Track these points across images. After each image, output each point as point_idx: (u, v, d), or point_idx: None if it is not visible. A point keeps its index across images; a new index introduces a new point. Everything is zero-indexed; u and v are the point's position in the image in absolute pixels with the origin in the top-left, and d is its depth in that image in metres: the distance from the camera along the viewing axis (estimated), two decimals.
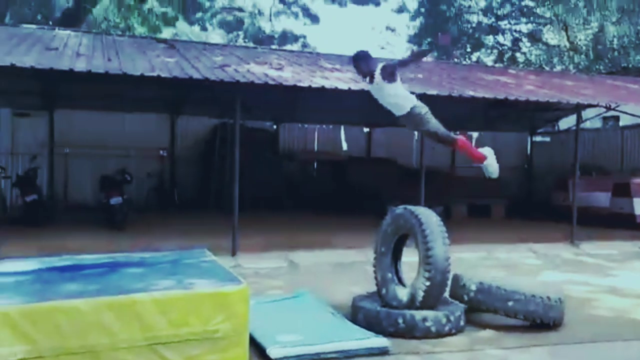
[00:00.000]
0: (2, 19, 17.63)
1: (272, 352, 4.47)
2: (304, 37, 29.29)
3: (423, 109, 5.62)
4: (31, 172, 12.25)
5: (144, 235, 10.20)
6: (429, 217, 5.49)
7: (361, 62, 5.55)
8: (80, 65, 8.88)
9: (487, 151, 5.98)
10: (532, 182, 18.58)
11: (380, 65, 5.50)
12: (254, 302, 5.92)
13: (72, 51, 10.37)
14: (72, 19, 19.50)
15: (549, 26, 26.58)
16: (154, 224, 11.82)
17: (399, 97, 5.55)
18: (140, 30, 25.37)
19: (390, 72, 5.41)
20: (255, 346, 4.69)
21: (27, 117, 15.11)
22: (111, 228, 11.05)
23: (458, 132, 6.11)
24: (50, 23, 20.26)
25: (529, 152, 19.25)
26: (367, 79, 5.55)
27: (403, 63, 5.76)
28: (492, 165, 5.96)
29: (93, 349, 3.74)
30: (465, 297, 5.72)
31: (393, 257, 5.82)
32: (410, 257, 5.75)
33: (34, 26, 14.23)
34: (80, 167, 15.06)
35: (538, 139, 19.26)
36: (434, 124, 5.68)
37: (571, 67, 25.45)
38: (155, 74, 8.94)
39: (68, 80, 11.29)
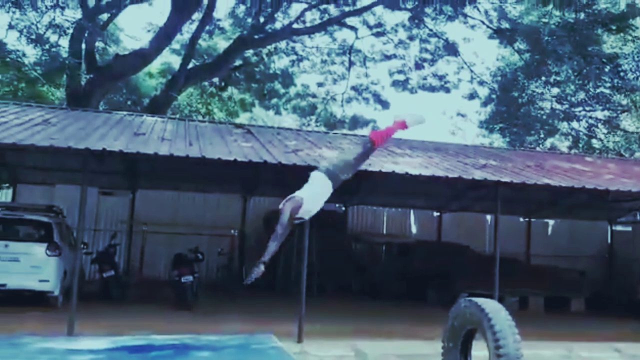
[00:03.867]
0: (97, 105, 19.21)
1: None
2: (374, 121, 29.89)
3: (330, 168, 5.13)
4: (111, 248, 12.83)
5: (212, 316, 10.30)
6: (497, 312, 5.24)
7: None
8: (163, 150, 9.46)
9: (402, 116, 5.43)
10: (614, 274, 17.51)
11: (287, 214, 4.81)
12: None
13: (157, 136, 11.07)
14: (159, 105, 20.93)
15: (626, 113, 25.92)
16: (222, 304, 11.94)
17: (320, 194, 5.03)
18: (219, 114, 26.89)
19: (296, 208, 4.86)
20: None
21: (112, 195, 16.05)
22: (181, 306, 11.24)
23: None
24: (139, 108, 21.82)
25: (609, 241, 18.32)
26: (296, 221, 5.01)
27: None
28: (416, 120, 5.40)
29: None
30: None
31: (462, 352, 5.57)
32: (481, 351, 5.48)
33: (124, 112, 15.38)
34: (155, 243, 15.63)
35: (619, 228, 18.32)
36: (348, 161, 5.22)
37: None
38: (232, 158, 9.36)
39: (152, 162, 11.99)
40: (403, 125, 5.39)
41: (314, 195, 4.98)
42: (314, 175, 5.09)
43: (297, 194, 4.94)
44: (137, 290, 13.22)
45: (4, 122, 10.44)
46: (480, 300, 5.44)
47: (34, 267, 10.44)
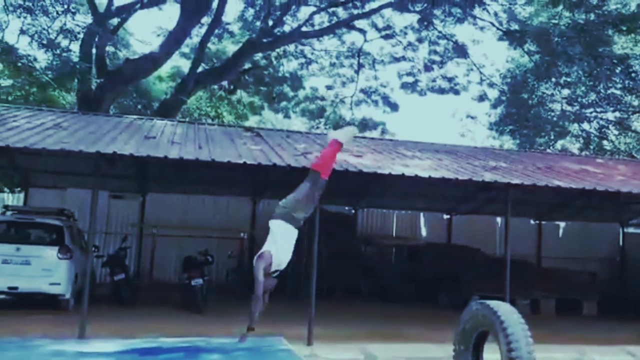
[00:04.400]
0: (108, 109, 19.33)
1: None
2: (384, 124, 29.84)
3: (284, 212, 4.96)
4: (122, 251, 12.87)
5: (222, 318, 10.29)
6: (510, 315, 5.22)
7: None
8: (173, 153, 9.49)
9: (333, 136, 5.16)
10: (626, 276, 17.36)
11: (261, 273, 4.85)
12: None
13: (167, 139, 11.12)
14: (169, 109, 21.02)
15: (637, 114, 25.72)
16: (232, 307, 11.89)
17: (285, 241, 4.93)
18: (228, 118, 26.97)
19: (269, 265, 4.88)
20: None
21: (122, 199, 16.14)
22: (191, 309, 11.26)
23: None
24: (149, 112, 21.92)
25: (621, 243, 18.17)
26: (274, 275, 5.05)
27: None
28: (346, 134, 5.20)
29: None
30: None
31: (474, 355, 5.55)
32: (492, 354, 5.45)
33: (134, 116, 15.47)
34: (165, 246, 15.68)
35: (630, 230, 18.17)
36: (299, 199, 5.01)
37: None
38: (241, 161, 9.38)
39: (162, 166, 12.05)
40: (336, 143, 5.13)
41: (280, 245, 4.93)
42: (273, 224, 4.96)
43: (265, 248, 4.89)
44: (148, 293, 13.26)
45: (16, 126, 10.53)
46: (493, 303, 5.42)
47: (45, 270, 10.50)
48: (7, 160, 13.95)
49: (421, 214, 18.32)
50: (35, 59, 19.75)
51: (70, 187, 15.12)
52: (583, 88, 24.60)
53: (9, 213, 11.87)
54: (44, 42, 18.51)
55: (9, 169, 14.99)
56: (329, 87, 27.59)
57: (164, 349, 5.12)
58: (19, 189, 16.42)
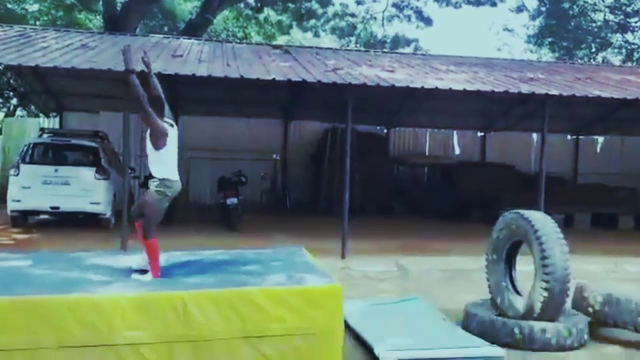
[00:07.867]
0: (134, 31, 19.06)
1: (382, 354, 4.41)
2: (417, 40, 28.91)
3: None
4: None
5: (258, 235, 10.53)
6: (544, 222, 5.15)
7: None
8: (201, 71, 9.38)
9: None
10: None
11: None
12: (365, 304, 5.90)
13: (194, 58, 10.98)
14: (195, 29, 20.63)
15: None
16: (267, 225, 12.15)
17: None
18: (256, 38, 26.43)
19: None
20: (365, 347, 4.68)
21: None
22: (227, 227, 11.53)
23: None
24: (175, 33, 21.61)
25: None
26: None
27: None
28: None
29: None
30: (590, 310, 5.32)
31: (506, 264, 5.54)
32: (525, 266, 5.46)
33: (161, 35, 15.25)
34: (200, 169, 15.88)
35: None
36: None
37: None
38: (270, 77, 9.23)
39: (191, 85, 11.97)
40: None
41: None
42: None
43: None
44: (184, 214, 13.55)
45: (45, 46, 10.50)
46: (526, 212, 5.34)
47: (84, 190, 10.77)
48: (40, 83, 14.07)
49: (454, 132, 17.99)
50: None
51: (102, 111, 15.23)
52: None
53: (45, 136, 12.08)
54: None
55: (42, 92, 15.15)
56: (359, 3, 26.58)
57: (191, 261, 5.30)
58: (54, 113, 16.65)
